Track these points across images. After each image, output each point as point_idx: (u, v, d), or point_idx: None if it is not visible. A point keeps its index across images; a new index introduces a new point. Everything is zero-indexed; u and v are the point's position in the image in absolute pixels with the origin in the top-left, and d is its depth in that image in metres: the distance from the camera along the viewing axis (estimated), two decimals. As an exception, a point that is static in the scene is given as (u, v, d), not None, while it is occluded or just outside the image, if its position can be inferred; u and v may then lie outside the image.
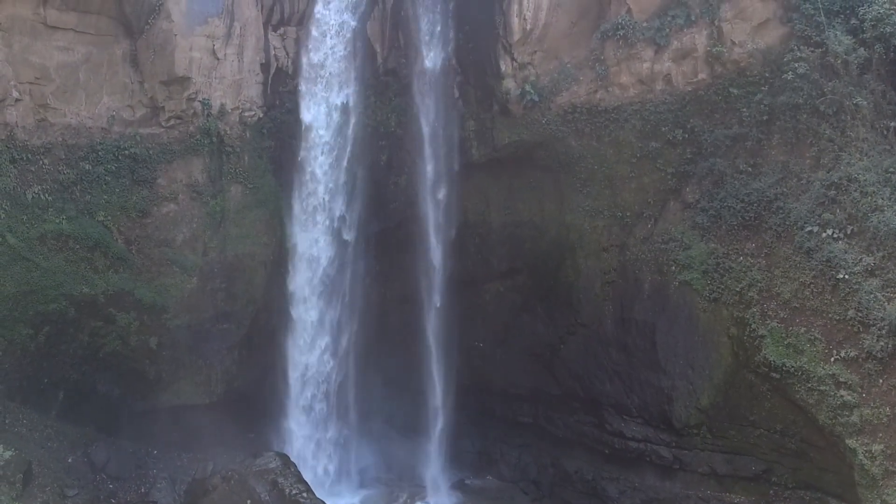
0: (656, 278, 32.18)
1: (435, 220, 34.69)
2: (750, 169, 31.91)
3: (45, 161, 32.76)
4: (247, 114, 35.02)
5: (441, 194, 34.76)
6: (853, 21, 31.46)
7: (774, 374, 29.18)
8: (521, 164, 34.71)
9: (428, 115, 34.64)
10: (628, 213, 33.58)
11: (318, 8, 35.31)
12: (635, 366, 31.95)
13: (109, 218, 33.12)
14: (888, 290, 28.35)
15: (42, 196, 32.40)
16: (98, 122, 33.55)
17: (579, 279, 33.77)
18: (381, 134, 35.28)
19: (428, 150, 34.55)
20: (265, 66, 35.39)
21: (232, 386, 34.21)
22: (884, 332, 27.78)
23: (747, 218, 31.30)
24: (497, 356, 35.31)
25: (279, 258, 34.59)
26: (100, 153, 33.22)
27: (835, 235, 29.51)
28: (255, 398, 34.21)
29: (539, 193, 34.80)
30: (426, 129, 34.63)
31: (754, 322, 29.96)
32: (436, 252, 34.67)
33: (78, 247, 32.40)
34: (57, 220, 32.27)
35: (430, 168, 34.57)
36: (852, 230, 29.38)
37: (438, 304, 34.51)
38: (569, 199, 34.13)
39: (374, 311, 34.81)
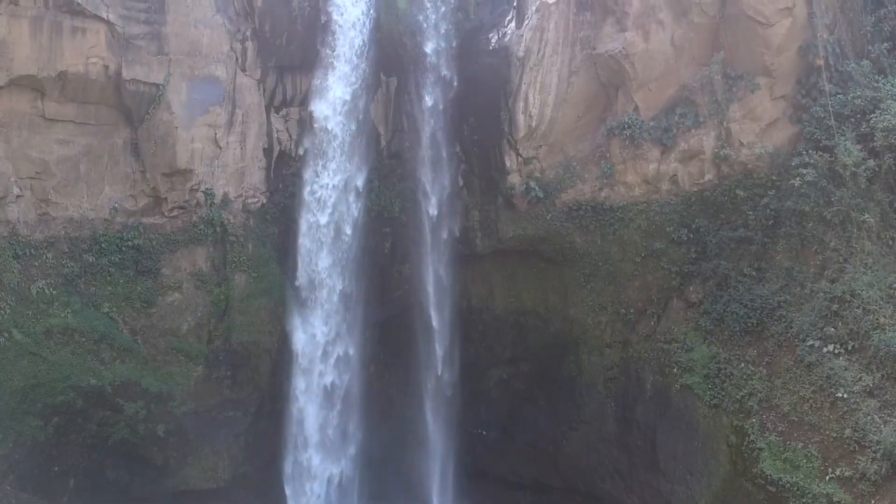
0: (658, 379, 33.87)
1: (439, 308, 36.27)
2: (754, 273, 33.32)
3: (49, 255, 34.29)
4: (250, 200, 36.51)
5: (445, 282, 36.35)
6: (864, 127, 32.29)
7: (771, 488, 30.87)
8: (526, 254, 36.31)
9: (432, 203, 36.04)
10: (631, 310, 35.23)
11: (321, 87, 36.08)
12: (636, 466, 33.88)
13: (115, 309, 34.79)
14: (885, 411, 29.83)
15: (47, 290, 33.97)
16: (100, 214, 35.05)
17: (582, 375, 35.66)
18: (385, 219, 36.65)
19: (431, 239, 36.10)
20: (268, 151, 36.93)
21: (238, 471, 36.23)
22: (878, 454, 29.32)
23: (750, 324, 32.79)
24: (500, 445, 37.29)
25: (284, 346, 36.09)
26: (103, 245, 34.83)
27: (836, 351, 30.90)
28: (261, 484, 36.02)
29: (543, 284, 36.34)
30: (430, 217, 36.03)
31: (753, 433, 31.56)
32: (439, 339, 36.32)
33: (84, 339, 34.12)
34: (62, 314, 33.91)
35: (433, 257, 36.02)
36: (853, 346, 30.80)
37: (441, 392, 36.16)
38: (572, 293, 35.74)
39: (378, 399, 36.56)
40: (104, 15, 33.47)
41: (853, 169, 31.53)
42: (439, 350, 36.37)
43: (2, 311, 32.86)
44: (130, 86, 33.91)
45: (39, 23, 32.78)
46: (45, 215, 34.20)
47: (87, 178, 34.61)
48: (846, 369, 30.86)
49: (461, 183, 36.57)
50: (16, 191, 33.56)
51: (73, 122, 34.20)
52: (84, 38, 33.38)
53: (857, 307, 31.10)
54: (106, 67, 33.68)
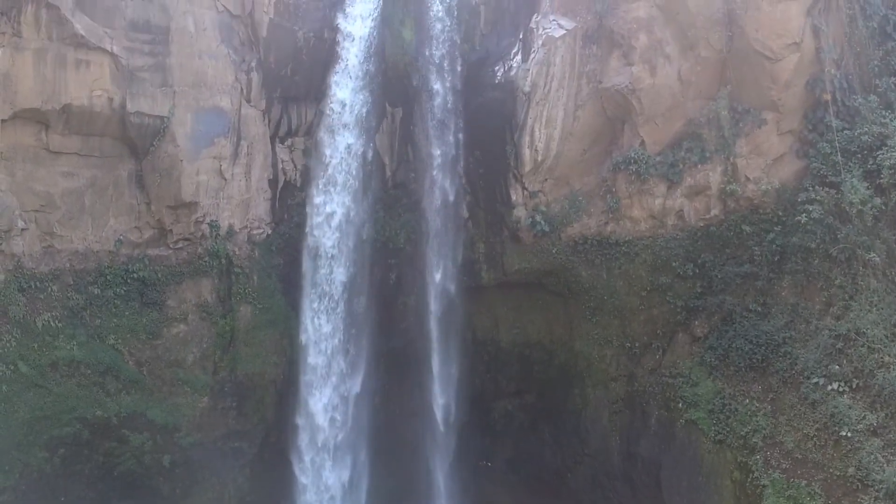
0: (663, 414, 34.90)
1: (444, 340, 37.27)
2: (759, 308, 34.30)
3: (54, 288, 35.11)
4: (255, 232, 37.41)
5: (450, 314, 37.11)
6: (871, 163, 33.05)
7: (774, 525, 31.75)
8: (531, 287, 37.35)
9: (437, 234, 37.01)
10: (637, 344, 36.34)
11: (326, 118, 36.79)
12: (640, 501, 35.17)
13: (120, 341, 35.71)
14: (889, 450, 30.74)
15: (52, 323, 34.82)
16: (105, 246, 35.88)
17: (587, 408, 36.81)
18: (390, 251, 37.42)
19: (436, 271, 36.94)
20: (273, 182, 37.80)
21: (244, 501, 37.35)
22: (881, 493, 30.30)
23: (755, 360, 33.79)
24: (505, 477, 38.33)
25: (289, 377, 37.05)
26: (108, 277, 35.72)
27: (840, 389, 31.81)
28: (267, 514, 36.93)
29: (548, 316, 37.42)
30: (435, 249, 36.92)
31: (757, 470, 32.49)
32: (444, 371, 37.24)
33: (90, 372, 35.04)
34: (68, 347, 34.84)
35: (438, 289, 36.90)
36: (858, 384, 31.73)
37: (446, 423, 37.10)
38: (578, 326, 36.87)
39: (383, 429, 37.51)
40: (108, 47, 34.06)
41: (859, 207, 32.28)
42: (444, 381, 37.30)
43: (7, 344, 33.69)
44: (135, 118, 34.59)
45: (43, 55, 33.31)
46: (50, 248, 35.01)
47: (91, 211, 35.35)
48: (850, 407, 31.78)
49: (466, 215, 37.55)
50: (20, 224, 34.31)
51: (78, 155, 34.89)
52: (88, 70, 33.94)
53: (862, 345, 32.04)
54: (110, 100, 34.29)
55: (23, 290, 34.47)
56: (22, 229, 34.33)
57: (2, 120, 33.38)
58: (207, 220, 36.20)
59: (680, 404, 34.62)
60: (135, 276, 35.74)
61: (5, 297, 33.93)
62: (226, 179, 36.28)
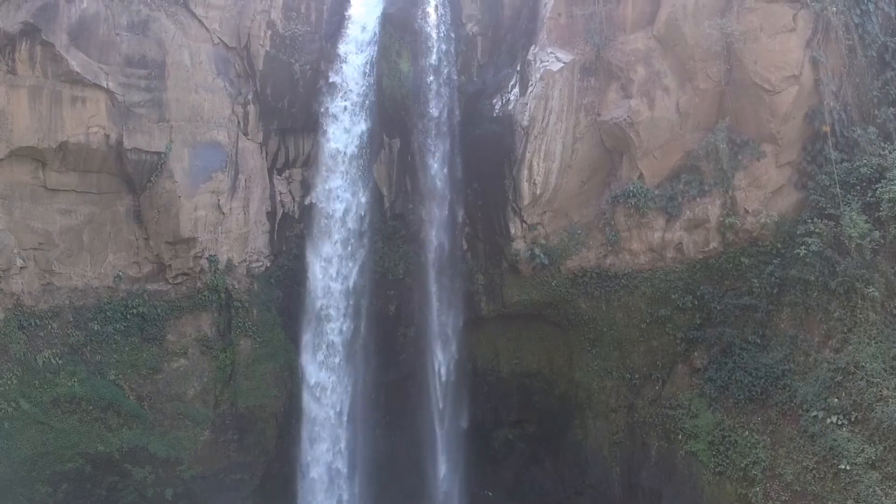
0: (663, 445, 35.69)
1: (444, 371, 37.93)
2: (758, 340, 35.02)
3: (54, 325, 35.78)
4: (254, 265, 38.07)
5: (450, 346, 37.82)
6: (870, 196, 33.62)
7: (774, 558, 32.53)
8: (531, 318, 38.04)
9: (436, 266, 37.58)
10: (637, 375, 37.14)
11: (324, 149, 37.30)
12: (642, 532, 35.49)
13: (121, 376, 36.48)
14: (886, 483, 31.52)
15: (53, 360, 35.54)
16: (104, 282, 36.57)
17: (587, 439, 37.66)
18: (389, 282, 38.00)
19: (436, 302, 37.62)
20: (271, 214, 38.42)
21: (247, 534, 37.81)
22: (880, 527, 30.99)
23: (754, 392, 34.50)
24: (507, 509, 38.99)
25: (290, 410, 37.77)
26: (108, 313, 36.40)
27: (839, 422, 32.53)
28: (269, 545, 37.67)
29: (548, 346, 38.15)
30: (434, 280, 37.49)
31: (757, 502, 33.35)
32: (445, 402, 37.88)
33: (91, 407, 35.81)
34: (69, 383, 35.58)
35: (438, 320, 37.58)
36: (856, 417, 32.46)
37: (447, 453, 37.82)
38: (578, 357, 37.59)
39: (384, 460, 38.31)
40: (104, 83, 34.61)
41: (858, 241, 32.84)
42: (445, 412, 38.02)
43: (8, 382, 34.44)
44: (132, 154, 35.19)
45: (38, 93, 33.84)
46: (49, 285, 35.66)
47: (90, 247, 36.00)
48: (849, 441, 32.50)
49: (465, 246, 38.33)
50: (19, 262, 34.93)
51: (75, 192, 35.52)
52: (84, 107, 34.50)
53: (861, 379, 32.73)
54: (107, 136, 34.87)
55: (23, 327, 35.19)
56: (21, 267, 34.97)
57: (-1, 158, 34.15)
58: (206, 254, 36.86)
59: (680, 436, 35.41)
60: (134, 311, 36.38)
61: (5, 336, 34.67)
62: (224, 214, 36.90)
